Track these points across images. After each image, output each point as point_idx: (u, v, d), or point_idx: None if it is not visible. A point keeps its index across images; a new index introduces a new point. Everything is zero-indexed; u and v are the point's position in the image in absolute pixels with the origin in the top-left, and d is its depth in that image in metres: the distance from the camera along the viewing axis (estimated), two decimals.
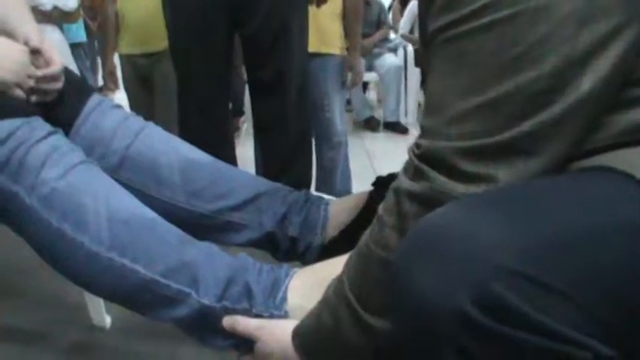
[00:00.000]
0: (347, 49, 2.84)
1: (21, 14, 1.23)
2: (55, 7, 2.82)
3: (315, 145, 2.73)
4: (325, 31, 2.65)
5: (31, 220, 0.99)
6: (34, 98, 1.13)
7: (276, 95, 1.99)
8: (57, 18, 2.88)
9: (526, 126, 0.62)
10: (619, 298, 0.55)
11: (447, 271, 0.56)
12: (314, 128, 2.76)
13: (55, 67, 1.15)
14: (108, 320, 1.46)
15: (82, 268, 0.98)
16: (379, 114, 5.34)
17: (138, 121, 1.22)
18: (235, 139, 4.03)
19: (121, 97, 3.10)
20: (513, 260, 0.54)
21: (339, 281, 0.79)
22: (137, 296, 0.97)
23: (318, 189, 2.71)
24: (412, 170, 0.69)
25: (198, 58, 1.96)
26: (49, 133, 1.04)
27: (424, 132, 0.69)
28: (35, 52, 1.16)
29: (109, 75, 3.03)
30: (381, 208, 0.74)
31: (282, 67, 1.97)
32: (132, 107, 2.97)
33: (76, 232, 0.97)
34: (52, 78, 1.15)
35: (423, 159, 0.68)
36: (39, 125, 1.05)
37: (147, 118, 2.68)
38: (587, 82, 0.61)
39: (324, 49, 2.69)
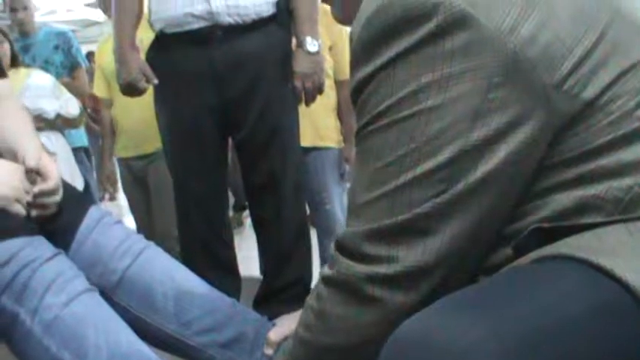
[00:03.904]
0: (343, 140, 2.88)
1: (24, 134, 1.29)
2: (59, 115, 2.90)
3: (318, 237, 2.73)
4: (321, 125, 2.69)
5: (30, 342, 1.01)
6: (34, 213, 1.16)
7: (271, 195, 2.01)
8: (60, 125, 2.95)
9: (422, 209, 0.67)
10: None
11: None
12: (315, 221, 2.77)
13: (51, 182, 1.20)
14: None
15: None
16: None
17: (138, 242, 1.25)
18: (240, 233, 4.06)
19: (121, 196, 3.14)
20: None
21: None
22: None
23: None
24: (330, 258, 0.76)
25: (193, 163, 1.99)
26: (53, 255, 1.06)
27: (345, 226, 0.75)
28: (32, 170, 1.20)
29: (106, 179, 3.07)
30: (309, 295, 0.80)
31: (275, 169, 1.99)
32: (131, 209, 3.00)
33: None
34: (50, 192, 1.19)
35: (336, 246, 0.75)
36: (42, 246, 1.07)
37: (145, 219, 2.69)
38: (480, 169, 0.66)
39: (320, 143, 2.72)
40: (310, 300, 0.78)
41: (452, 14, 0.66)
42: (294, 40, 2.00)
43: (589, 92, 0.67)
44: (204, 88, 1.91)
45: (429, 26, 0.66)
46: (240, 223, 4.40)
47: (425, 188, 0.67)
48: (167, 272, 1.23)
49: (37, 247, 1.06)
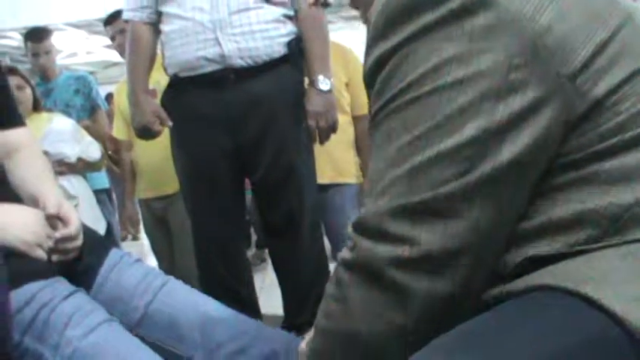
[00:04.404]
0: (362, 175, 2.86)
1: (44, 181, 1.33)
2: (80, 159, 2.92)
3: None
4: (339, 161, 2.68)
5: None
6: (55, 258, 1.19)
7: (289, 235, 2.01)
8: (81, 169, 2.98)
9: (446, 189, 0.65)
10: None
11: None
12: (336, 257, 2.74)
13: (72, 227, 1.23)
14: None
15: None
16: None
17: (158, 277, 1.27)
18: (262, 270, 4.04)
19: (144, 236, 3.16)
20: None
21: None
22: None
23: None
24: (350, 242, 0.73)
25: (209, 205, 2.00)
26: (72, 292, 1.08)
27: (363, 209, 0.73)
28: (53, 216, 1.21)
29: (128, 220, 3.08)
30: (327, 284, 0.78)
31: (292, 210, 1.99)
32: (153, 249, 3.02)
33: None
34: (71, 237, 1.21)
35: (355, 228, 0.72)
36: (61, 285, 1.09)
37: (167, 259, 2.71)
38: (506, 152, 0.65)
39: (340, 180, 2.71)
40: (329, 289, 0.75)
41: None
42: (306, 79, 2.01)
43: (599, 90, 0.67)
44: (218, 131, 1.92)
45: (452, 5, 0.66)
46: (263, 260, 4.40)
47: (448, 166, 0.65)
48: (190, 301, 1.24)
49: (56, 287, 1.09)
